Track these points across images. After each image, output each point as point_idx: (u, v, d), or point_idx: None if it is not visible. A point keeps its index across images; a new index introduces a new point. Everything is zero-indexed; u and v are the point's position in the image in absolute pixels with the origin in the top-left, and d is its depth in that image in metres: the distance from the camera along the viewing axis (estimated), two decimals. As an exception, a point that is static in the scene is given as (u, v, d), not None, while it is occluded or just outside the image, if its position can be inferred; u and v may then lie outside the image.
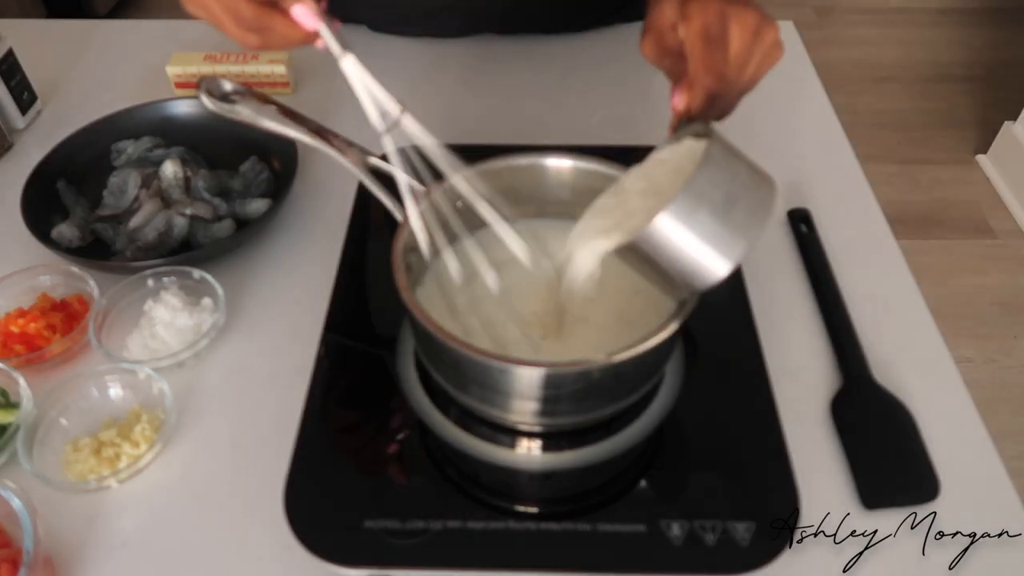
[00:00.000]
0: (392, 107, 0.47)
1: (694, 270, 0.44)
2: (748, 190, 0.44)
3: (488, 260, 0.51)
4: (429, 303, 0.55)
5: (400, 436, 0.56)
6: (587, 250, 0.49)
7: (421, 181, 0.52)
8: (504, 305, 0.53)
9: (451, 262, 0.51)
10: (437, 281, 0.55)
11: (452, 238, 0.52)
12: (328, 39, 0.46)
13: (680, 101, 0.49)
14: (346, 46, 0.46)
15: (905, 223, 1.94)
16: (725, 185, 0.43)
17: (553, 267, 0.54)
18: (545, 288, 0.54)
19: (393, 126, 0.48)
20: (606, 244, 0.47)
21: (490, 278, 0.51)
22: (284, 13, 0.45)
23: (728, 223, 0.43)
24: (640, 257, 0.44)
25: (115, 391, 0.59)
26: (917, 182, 2.07)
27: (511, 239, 0.51)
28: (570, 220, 0.59)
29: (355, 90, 0.47)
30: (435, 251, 0.52)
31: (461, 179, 0.51)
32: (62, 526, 0.52)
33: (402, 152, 0.50)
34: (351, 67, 0.46)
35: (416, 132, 0.48)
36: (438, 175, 0.51)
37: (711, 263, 0.43)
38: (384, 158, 0.57)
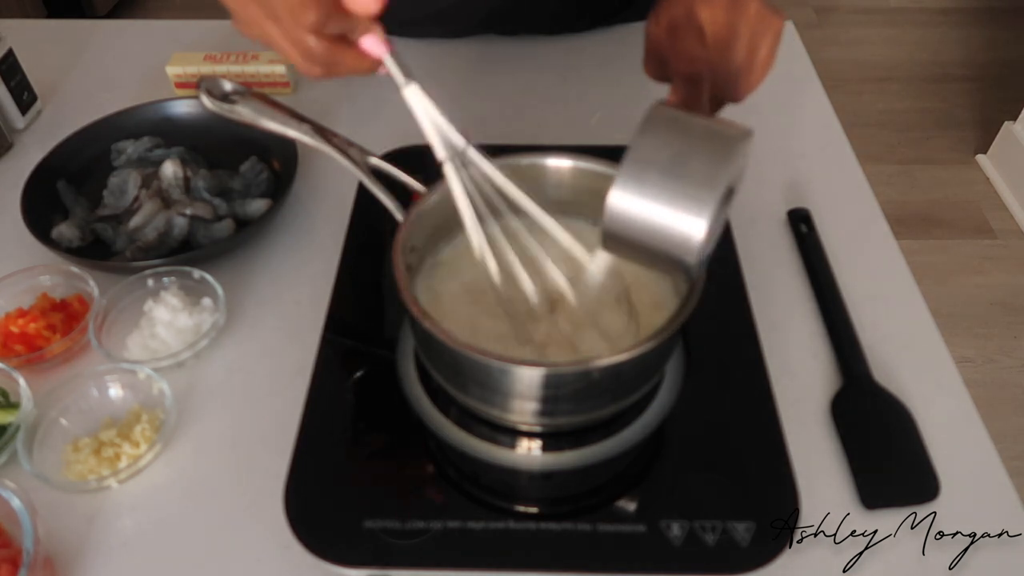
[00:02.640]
0: (456, 137, 0.47)
1: (671, 237, 0.41)
2: (704, 141, 0.41)
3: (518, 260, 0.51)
4: (429, 302, 0.55)
5: (400, 436, 0.56)
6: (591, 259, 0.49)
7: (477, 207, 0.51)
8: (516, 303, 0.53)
9: (490, 263, 0.51)
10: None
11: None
12: (391, 68, 0.45)
13: (670, 96, 0.49)
14: (409, 74, 0.45)
15: (905, 223, 1.94)
16: (672, 145, 0.41)
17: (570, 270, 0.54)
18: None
19: (456, 156, 0.47)
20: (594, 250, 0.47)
21: (528, 287, 0.51)
22: (352, 45, 0.44)
23: (685, 178, 0.40)
24: (627, 248, 0.43)
25: (115, 391, 0.59)
26: (917, 182, 2.07)
27: (569, 243, 0.51)
28: (570, 219, 0.59)
29: (417, 119, 0.46)
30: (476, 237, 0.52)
31: (522, 198, 0.50)
32: (62, 526, 0.52)
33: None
34: (414, 96, 0.46)
35: (480, 162, 0.48)
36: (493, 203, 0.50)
37: (684, 224, 0.40)
38: (385, 158, 0.57)
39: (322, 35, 0.42)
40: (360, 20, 0.43)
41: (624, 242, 0.43)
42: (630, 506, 0.51)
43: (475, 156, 0.48)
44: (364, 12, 0.42)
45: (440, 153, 0.47)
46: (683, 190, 0.40)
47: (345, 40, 0.44)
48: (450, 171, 0.48)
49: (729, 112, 0.51)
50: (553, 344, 0.52)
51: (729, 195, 0.44)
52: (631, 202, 0.41)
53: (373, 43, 0.44)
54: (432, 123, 0.46)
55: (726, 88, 0.50)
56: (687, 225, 0.40)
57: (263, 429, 0.57)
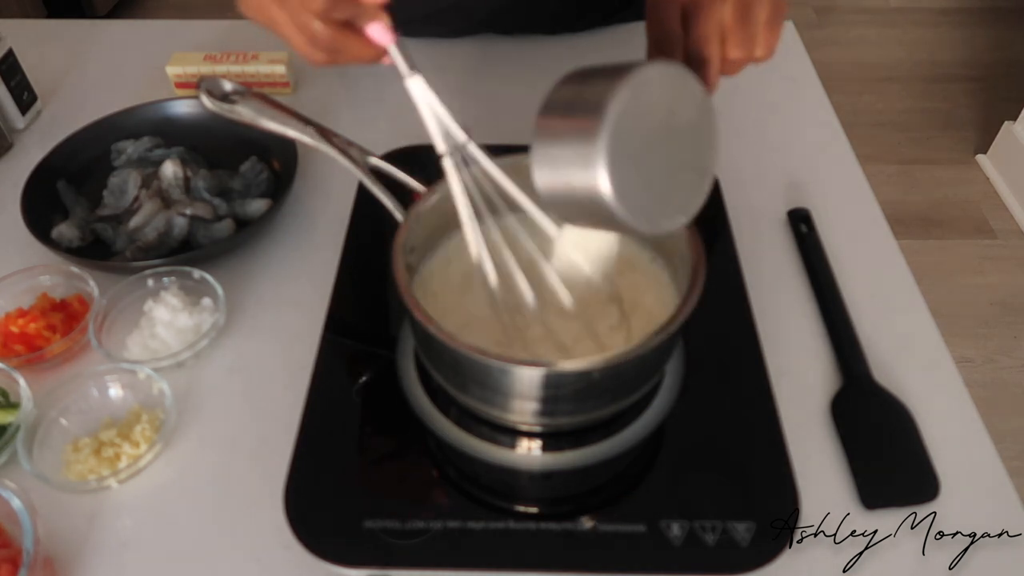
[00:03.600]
0: (457, 131, 0.46)
1: (582, 182, 0.38)
2: (602, 78, 0.38)
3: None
4: (429, 302, 0.55)
5: (400, 436, 0.56)
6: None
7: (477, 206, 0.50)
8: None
9: (487, 264, 0.50)
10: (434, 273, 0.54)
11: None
12: (396, 57, 0.45)
13: None
14: (413, 65, 0.45)
15: (905, 223, 1.94)
16: (574, 88, 0.39)
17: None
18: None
19: (456, 151, 0.47)
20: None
21: (528, 296, 0.50)
22: (358, 32, 0.44)
23: (576, 115, 0.37)
24: (571, 210, 0.41)
25: (115, 391, 0.59)
26: (917, 182, 2.07)
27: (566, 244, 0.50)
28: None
29: (419, 111, 0.46)
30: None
31: (520, 196, 0.49)
32: (62, 526, 0.52)
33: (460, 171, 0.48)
34: (417, 88, 0.45)
35: (480, 158, 0.48)
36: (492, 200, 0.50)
37: (584, 169, 0.37)
38: (385, 158, 0.57)
39: (328, 20, 0.42)
40: (367, 7, 0.43)
41: (562, 203, 0.41)
42: (630, 506, 0.51)
43: (475, 152, 0.48)
44: None
45: (440, 147, 0.47)
46: (573, 126, 0.38)
47: (351, 27, 0.44)
48: (449, 166, 0.48)
49: (734, 96, 0.49)
50: (541, 343, 0.52)
51: (695, 147, 0.41)
52: (541, 152, 0.39)
53: (379, 31, 0.44)
54: (434, 116, 0.46)
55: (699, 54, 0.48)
56: (587, 170, 0.37)
57: (263, 429, 0.57)
